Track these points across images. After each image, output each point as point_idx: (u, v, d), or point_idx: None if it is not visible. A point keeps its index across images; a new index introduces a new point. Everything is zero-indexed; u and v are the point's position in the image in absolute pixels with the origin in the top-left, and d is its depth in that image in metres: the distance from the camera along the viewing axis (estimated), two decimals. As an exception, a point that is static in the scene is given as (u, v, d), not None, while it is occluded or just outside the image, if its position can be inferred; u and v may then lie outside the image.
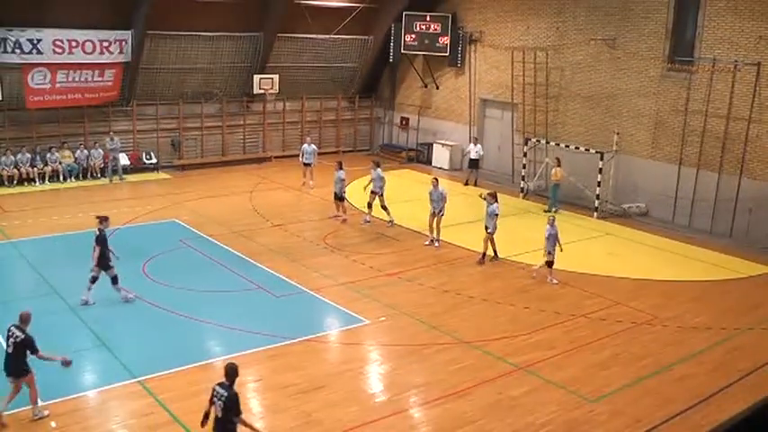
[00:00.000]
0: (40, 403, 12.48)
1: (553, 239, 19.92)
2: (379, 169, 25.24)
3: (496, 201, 21.45)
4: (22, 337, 12.30)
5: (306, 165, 30.31)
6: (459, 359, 15.26)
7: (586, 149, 27.88)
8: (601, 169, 26.90)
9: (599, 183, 26.97)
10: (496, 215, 21.22)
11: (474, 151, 31.84)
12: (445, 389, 13.92)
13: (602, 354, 15.72)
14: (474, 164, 32.04)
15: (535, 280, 20.14)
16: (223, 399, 10.38)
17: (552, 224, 20.10)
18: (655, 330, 17.10)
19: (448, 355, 15.40)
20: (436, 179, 23.45)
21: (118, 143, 30.91)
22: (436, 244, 22.91)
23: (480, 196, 22.65)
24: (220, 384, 10.56)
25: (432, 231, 23.05)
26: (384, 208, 25.06)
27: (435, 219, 22.80)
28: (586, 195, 27.82)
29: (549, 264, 20.00)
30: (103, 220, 17.55)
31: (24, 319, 12.51)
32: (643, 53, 27.02)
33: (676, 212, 26.41)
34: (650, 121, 27.16)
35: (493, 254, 21.79)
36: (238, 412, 10.46)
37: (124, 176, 31.17)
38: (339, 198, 25.53)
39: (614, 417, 13.13)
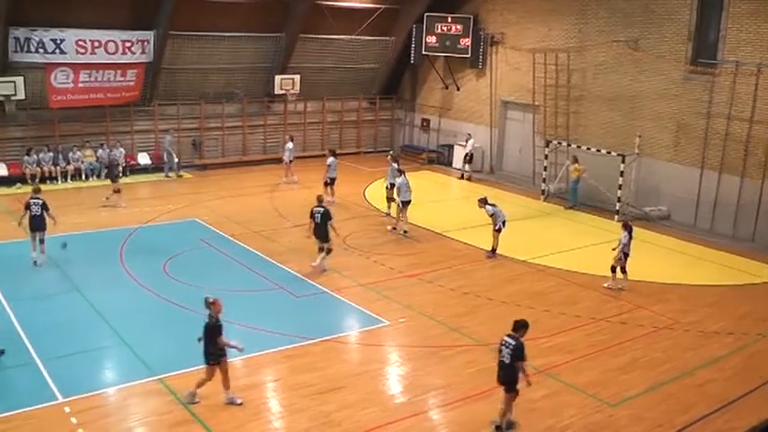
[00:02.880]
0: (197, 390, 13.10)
1: (622, 244, 19.45)
2: (394, 164, 26.04)
3: (487, 203, 21.98)
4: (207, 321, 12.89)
5: (289, 163, 31.11)
6: (478, 361, 15.22)
7: (608, 152, 27.73)
8: (622, 172, 26.75)
9: (620, 185, 26.81)
10: (492, 215, 21.82)
11: (470, 146, 33.79)
12: (465, 391, 13.90)
13: (622, 358, 15.63)
14: (469, 158, 33.71)
15: (610, 289, 19.84)
16: (511, 347, 12.18)
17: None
18: (675, 335, 16.99)
19: (467, 357, 15.37)
20: (399, 167, 24.86)
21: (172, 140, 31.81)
22: (398, 231, 24.18)
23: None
24: (509, 335, 12.36)
25: (399, 220, 24.39)
26: (391, 200, 26.15)
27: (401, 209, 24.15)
28: (607, 198, 27.67)
29: (614, 269, 19.70)
30: (323, 199, 21.26)
31: (211, 305, 12.94)
32: (665, 55, 26.86)
33: (698, 216, 26.22)
34: (672, 124, 26.99)
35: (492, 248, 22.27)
36: (524, 358, 12.16)
37: (181, 172, 32.28)
38: (328, 183, 27.46)
39: (634, 422, 13.06)
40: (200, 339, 12.90)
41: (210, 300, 12.89)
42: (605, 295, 19.31)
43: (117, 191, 26.54)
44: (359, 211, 26.87)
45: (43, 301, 17.53)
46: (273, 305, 18.02)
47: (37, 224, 19.70)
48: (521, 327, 12.37)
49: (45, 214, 19.77)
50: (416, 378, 14.49)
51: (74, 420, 12.35)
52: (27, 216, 19.78)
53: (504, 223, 21.90)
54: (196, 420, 12.52)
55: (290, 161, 31.00)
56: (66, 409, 12.66)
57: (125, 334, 15.77)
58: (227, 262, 20.94)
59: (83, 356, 14.78)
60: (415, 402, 13.54)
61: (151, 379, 13.87)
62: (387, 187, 26.47)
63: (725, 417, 13.35)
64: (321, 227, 20.08)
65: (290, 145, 31.07)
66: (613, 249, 19.73)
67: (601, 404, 13.59)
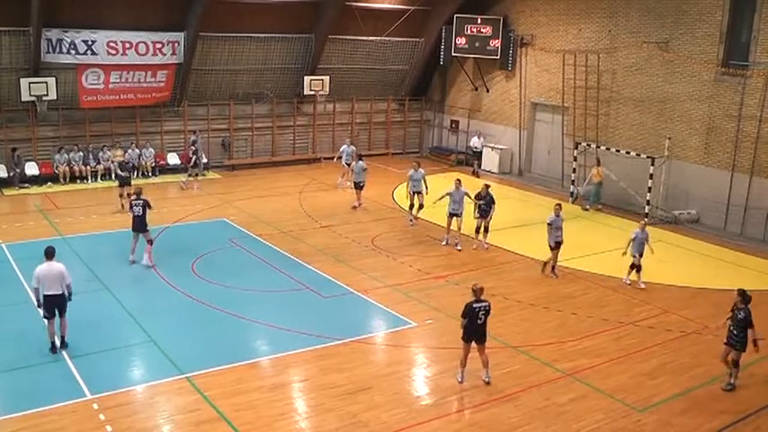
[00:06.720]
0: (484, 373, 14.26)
1: (639, 243, 19.94)
2: (421, 169, 25.63)
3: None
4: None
5: (347, 165, 30.83)
6: (505, 363, 15.19)
7: (637, 154, 27.54)
8: (651, 174, 26.58)
9: (649, 188, 26.64)
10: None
11: (478, 143, 34.74)
12: (491, 393, 13.87)
13: (650, 363, 15.52)
14: (477, 155, 35.01)
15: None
16: (744, 312, 14.03)
17: (643, 228, 20.17)
18: (705, 340, 16.82)
19: (494, 360, 15.27)
20: (459, 180, 23.80)
21: (200, 139, 31.81)
22: (458, 247, 23.06)
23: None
24: (737, 305, 14.24)
25: (448, 232, 23.41)
26: (420, 206, 25.50)
27: (456, 220, 23.09)
28: (636, 201, 27.49)
29: (635, 267, 20.11)
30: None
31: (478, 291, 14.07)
32: (696, 57, 26.63)
33: (728, 220, 25.97)
34: (702, 126, 26.75)
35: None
36: (752, 326, 14.07)
37: (205, 172, 32.47)
38: (358, 187, 27.40)
39: (662, 427, 12.97)
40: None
41: (478, 287, 14.06)
42: (633, 299, 19.18)
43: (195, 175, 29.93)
44: (387, 213, 26.86)
45: (73, 299, 17.68)
46: (301, 305, 18.05)
47: (137, 225, 20.26)
48: (750, 298, 14.21)
49: (147, 213, 20.31)
50: (443, 380, 14.47)
51: (102, 417, 12.47)
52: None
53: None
54: (223, 419, 12.59)
55: (350, 164, 30.56)
56: (95, 406, 12.79)
57: (153, 332, 15.90)
58: (255, 262, 21.04)
59: (111, 354, 14.92)
60: (442, 404, 13.53)
61: (178, 377, 13.98)
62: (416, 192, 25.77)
63: (755, 424, 13.23)
64: (487, 208, 22.60)
65: (353, 147, 31.22)
66: (634, 257, 20.17)
67: (628, 409, 13.50)
